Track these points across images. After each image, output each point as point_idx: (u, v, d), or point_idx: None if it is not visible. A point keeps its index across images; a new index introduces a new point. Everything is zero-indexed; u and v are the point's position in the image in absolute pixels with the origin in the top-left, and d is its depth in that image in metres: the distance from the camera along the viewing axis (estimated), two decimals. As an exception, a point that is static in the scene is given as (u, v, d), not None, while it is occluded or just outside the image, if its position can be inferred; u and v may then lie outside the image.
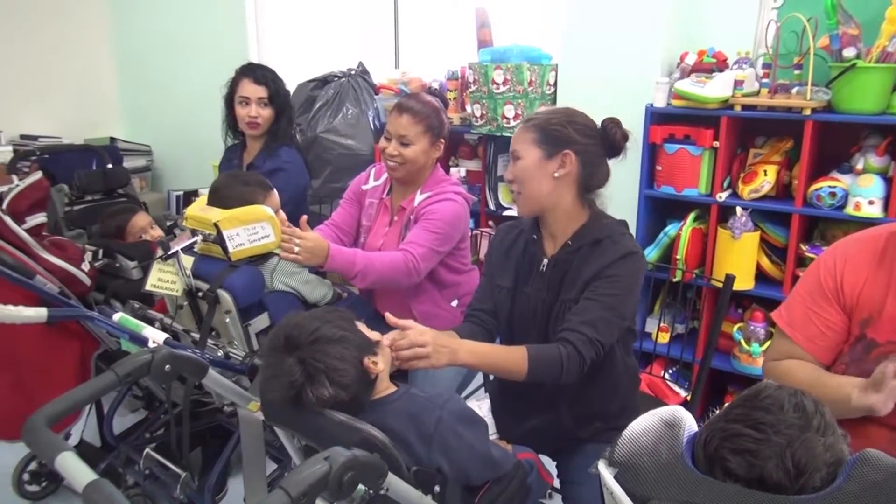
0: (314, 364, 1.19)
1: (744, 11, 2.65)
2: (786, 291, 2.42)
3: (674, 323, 2.59)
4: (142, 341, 1.63)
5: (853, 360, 1.39)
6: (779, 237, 2.51)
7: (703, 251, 2.60)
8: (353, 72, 3.40)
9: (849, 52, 2.24)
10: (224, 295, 1.86)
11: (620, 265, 1.52)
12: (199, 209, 1.93)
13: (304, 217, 1.92)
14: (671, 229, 2.61)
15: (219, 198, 1.94)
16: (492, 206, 3.14)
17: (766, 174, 2.44)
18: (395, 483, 1.13)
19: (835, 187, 2.31)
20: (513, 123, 2.83)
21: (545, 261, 1.62)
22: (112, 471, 2.19)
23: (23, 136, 3.72)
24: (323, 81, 3.37)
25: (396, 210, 2.20)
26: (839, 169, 2.40)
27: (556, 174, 1.55)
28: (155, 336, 1.62)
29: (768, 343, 2.38)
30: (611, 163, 1.62)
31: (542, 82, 2.83)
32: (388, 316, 1.41)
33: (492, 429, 1.76)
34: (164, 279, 1.88)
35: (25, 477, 2.34)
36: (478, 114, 2.92)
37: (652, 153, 2.59)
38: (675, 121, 2.53)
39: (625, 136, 1.57)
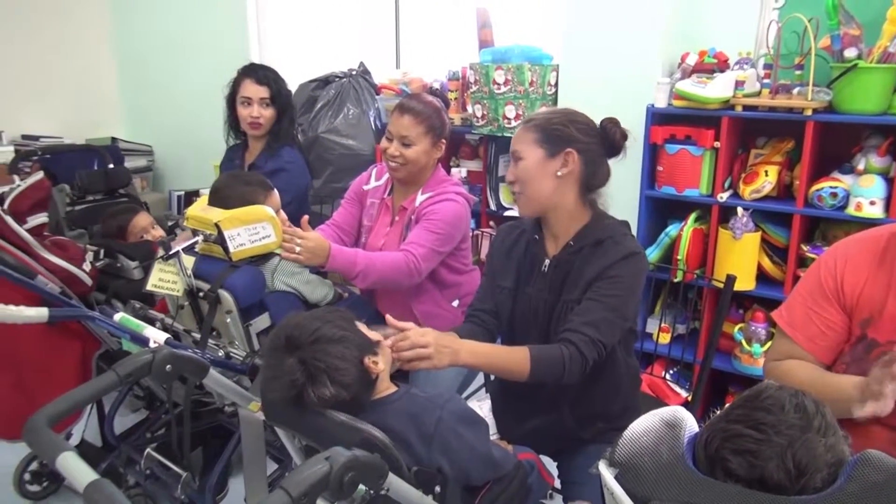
0: (315, 364, 1.19)
1: (745, 12, 2.65)
2: (787, 292, 2.42)
3: (675, 323, 2.59)
4: (143, 341, 1.63)
5: (854, 360, 1.39)
6: (780, 237, 2.51)
7: (704, 251, 2.60)
8: (354, 72, 3.40)
9: (850, 53, 2.24)
10: (225, 295, 1.86)
11: (622, 266, 1.52)
12: (201, 209, 1.94)
13: (306, 217, 1.93)
14: (672, 230, 2.61)
15: (220, 198, 1.94)
16: (493, 207, 3.14)
17: (767, 174, 2.44)
18: (395, 483, 1.12)
19: (836, 188, 2.31)
20: (514, 124, 2.83)
21: (547, 261, 1.61)
22: (113, 471, 2.19)
23: (24, 137, 3.73)
24: (324, 81, 3.38)
25: (398, 210, 2.20)
26: (840, 169, 2.40)
27: (559, 173, 1.55)
28: (156, 336, 1.62)
29: (769, 343, 2.37)
30: (611, 163, 1.62)
31: (544, 83, 2.83)
32: (389, 318, 1.41)
33: (492, 429, 1.76)
34: (165, 279, 1.88)
35: (26, 477, 2.34)
36: (479, 114, 2.93)
37: (653, 154, 2.59)
38: (676, 121, 2.53)
39: (624, 136, 1.58)
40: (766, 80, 2.42)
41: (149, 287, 1.90)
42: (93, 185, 2.96)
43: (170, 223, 3.00)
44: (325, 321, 1.24)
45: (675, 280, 2.52)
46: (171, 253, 1.84)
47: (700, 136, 2.46)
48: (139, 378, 1.30)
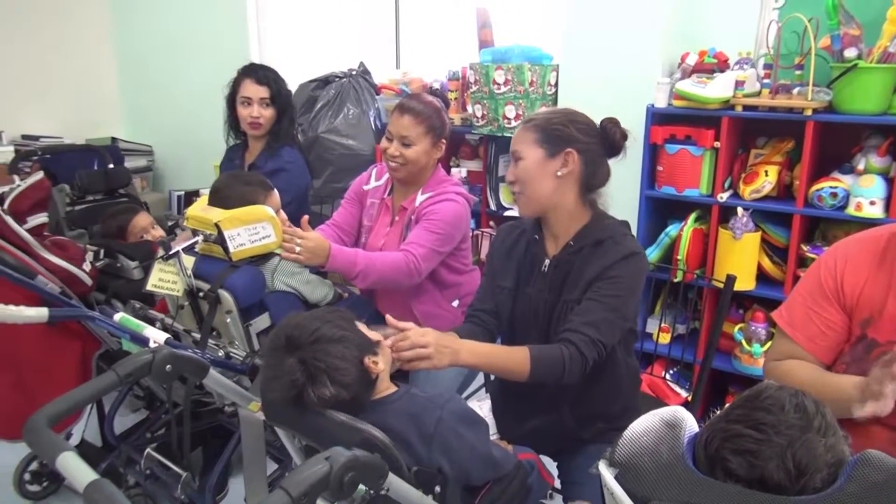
0: (315, 364, 1.19)
1: (745, 12, 2.65)
2: (787, 292, 2.42)
3: (675, 323, 2.59)
4: (143, 341, 1.63)
5: (854, 360, 1.39)
6: (780, 237, 2.51)
7: (704, 251, 2.60)
8: (354, 72, 3.41)
9: (850, 53, 2.24)
10: (225, 295, 1.86)
11: (622, 266, 1.52)
12: (201, 209, 1.94)
13: (306, 217, 1.93)
14: (672, 230, 2.61)
15: (220, 198, 1.94)
16: (493, 207, 3.14)
17: (767, 174, 2.44)
18: (395, 483, 1.12)
19: (836, 188, 2.31)
20: (514, 124, 2.83)
21: (547, 261, 1.61)
22: (113, 471, 2.19)
23: (24, 137, 3.73)
24: (324, 81, 3.38)
25: (398, 210, 2.20)
26: (840, 169, 2.40)
27: (559, 173, 1.55)
28: (156, 336, 1.62)
29: (769, 343, 2.37)
30: (611, 163, 1.62)
31: (543, 83, 2.83)
32: (389, 318, 1.41)
33: (492, 429, 1.76)
34: (165, 279, 1.88)
35: (27, 477, 2.34)
36: (479, 114, 2.92)
37: (653, 154, 2.59)
38: (676, 121, 2.53)
39: (624, 136, 1.58)
40: (766, 80, 2.42)
41: (149, 287, 1.90)
42: (93, 185, 2.96)
43: (170, 223, 3.00)
44: (325, 321, 1.24)
45: (675, 280, 2.52)
46: (171, 253, 1.84)
47: (700, 136, 2.46)
48: (139, 378, 1.30)
